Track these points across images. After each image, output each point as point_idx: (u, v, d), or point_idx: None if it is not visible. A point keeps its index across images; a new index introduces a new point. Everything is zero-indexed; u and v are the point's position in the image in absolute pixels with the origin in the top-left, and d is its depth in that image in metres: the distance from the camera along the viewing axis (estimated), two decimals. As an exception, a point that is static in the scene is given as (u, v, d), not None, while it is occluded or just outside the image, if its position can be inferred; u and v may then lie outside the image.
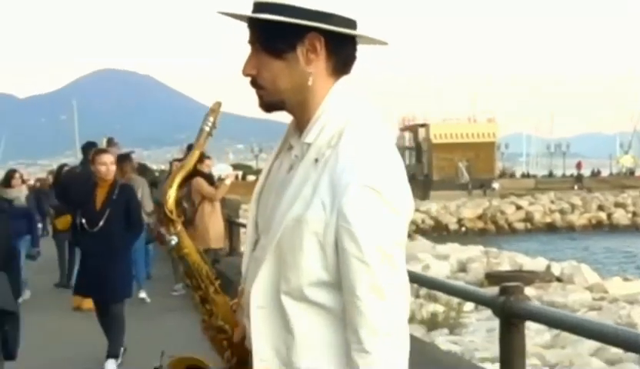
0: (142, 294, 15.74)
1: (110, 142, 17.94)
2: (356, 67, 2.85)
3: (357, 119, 2.72)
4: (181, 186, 2.97)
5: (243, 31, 2.82)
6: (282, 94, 2.76)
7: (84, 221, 9.67)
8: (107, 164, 9.75)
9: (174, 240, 2.87)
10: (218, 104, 2.94)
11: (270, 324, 2.75)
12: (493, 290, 6.63)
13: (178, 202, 2.98)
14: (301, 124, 2.81)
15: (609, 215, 74.48)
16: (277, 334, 2.74)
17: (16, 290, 7.38)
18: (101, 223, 9.55)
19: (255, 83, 2.79)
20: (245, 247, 2.98)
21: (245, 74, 2.78)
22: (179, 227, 2.91)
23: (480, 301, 7.30)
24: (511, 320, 6.29)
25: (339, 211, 2.56)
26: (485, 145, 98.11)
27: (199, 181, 15.38)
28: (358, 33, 2.77)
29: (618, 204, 76.79)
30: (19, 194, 17.11)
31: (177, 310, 12.85)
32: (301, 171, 2.70)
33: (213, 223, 15.62)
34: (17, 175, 17.87)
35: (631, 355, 13.14)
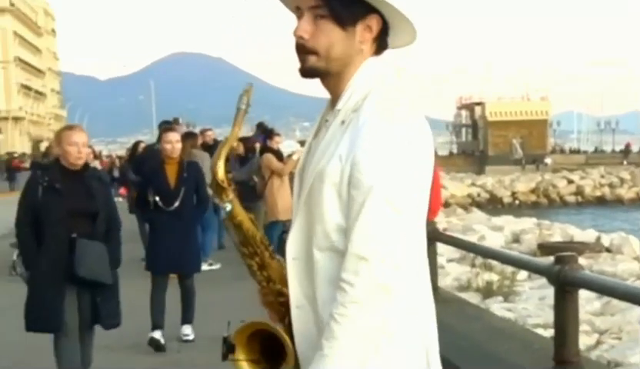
0: (204, 266, 15.95)
1: (175, 122, 18.05)
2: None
3: (380, 87, 2.76)
4: (227, 159, 2.97)
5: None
6: (331, 61, 2.77)
7: (157, 199, 9.64)
8: (172, 143, 9.69)
9: (228, 206, 2.88)
10: (250, 86, 2.97)
11: (303, 273, 2.83)
12: (548, 260, 6.57)
13: (227, 172, 2.97)
14: (334, 98, 2.86)
15: (656, 189, 73.52)
16: (309, 282, 2.81)
17: (115, 260, 7.31)
18: (176, 203, 9.52)
19: (302, 47, 2.78)
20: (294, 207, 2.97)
21: (298, 35, 2.77)
22: (231, 195, 2.92)
23: (536, 270, 7.22)
24: (566, 288, 6.24)
25: (353, 160, 2.63)
26: (538, 123, 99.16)
27: (269, 157, 15.57)
28: (412, 21, 2.79)
29: (664, 179, 75.82)
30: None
31: (247, 278, 12.78)
32: (329, 133, 2.79)
33: (281, 196, 15.65)
34: (90, 151, 17.62)
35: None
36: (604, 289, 6.41)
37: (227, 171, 2.96)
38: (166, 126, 10.08)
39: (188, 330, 9.70)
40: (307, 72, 2.82)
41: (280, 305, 2.91)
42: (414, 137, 2.70)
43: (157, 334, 9.42)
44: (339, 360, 2.61)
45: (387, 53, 2.90)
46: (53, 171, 7.16)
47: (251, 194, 15.62)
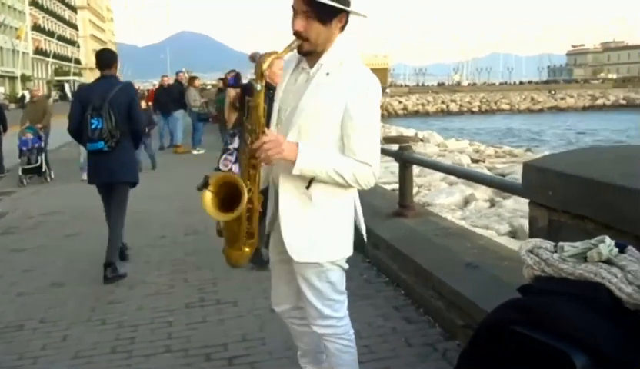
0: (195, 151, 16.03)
1: (180, 72, 17.74)
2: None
3: (351, 53, 2.53)
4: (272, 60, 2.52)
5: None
6: (317, 45, 2.46)
7: None
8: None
9: (259, 87, 2.45)
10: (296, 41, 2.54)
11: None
12: (395, 147, 6.47)
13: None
14: (313, 59, 2.53)
15: (447, 106, 74.77)
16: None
17: None
18: None
19: (300, 36, 2.44)
20: (272, 125, 2.66)
21: (296, 29, 2.44)
22: (264, 82, 2.48)
23: (388, 154, 7.04)
24: (406, 164, 6.10)
25: (356, 98, 2.42)
26: (382, 69, 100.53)
27: (230, 91, 14.93)
28: (361, 14, 2.52)
29: (452, 100, 77.27)
30: None
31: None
32: (314, 81, 2.49)
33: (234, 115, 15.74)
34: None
35: (462, 180, 13.30)
36: (427, 164, 6.30)
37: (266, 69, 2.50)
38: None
39: None
40: (304, 52, 2.51)
41: (249, 165, 2.53)
42: (377, 86, 2.49)
43: None
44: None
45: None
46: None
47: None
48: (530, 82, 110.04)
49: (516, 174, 15.21)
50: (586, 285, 2.07)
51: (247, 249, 2.66)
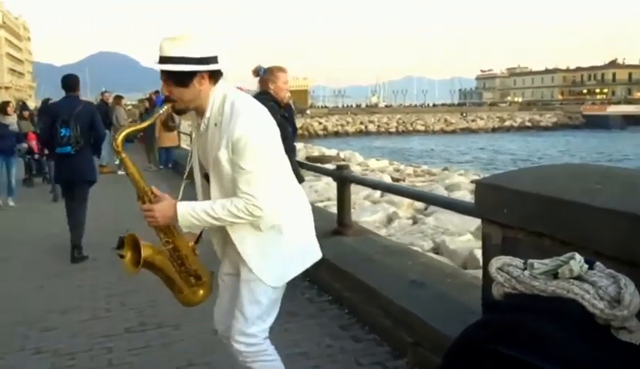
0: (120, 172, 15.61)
1: (104, 92, 17.48)
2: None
3: (228, 95, 2.62)
4: (127, 137, 2.71)
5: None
6: (187, 103, 2.63)
7: None
8: None
9: (117, 161, 2.58)
10: (170, 106, 2.66)
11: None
12: (333, 167, 6.44)
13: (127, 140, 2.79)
14: (200, 113, 2.68)
15: (366, 126, 76.28)
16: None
17: None
18: None
19: (169, 99, 2.63)
20: (196, 174, 2.86)
21: (165, 94, 2.64)
22: (123, 155, 2.66)
23: (325, 173, 6.99)
24: (344, 183, 6.06)
25: (232, 148, 2.51)
26: (303, 91, 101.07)
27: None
28: (220, 68, 2.63)
29: (370, 121, 78.74)
30: (13, 120, 12.65)
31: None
32: (210, 132, 2.64)
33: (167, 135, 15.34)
34: (11, 104, 12.97)
35: (386, 197, 13.47)
36: (362, 182, 6.30)
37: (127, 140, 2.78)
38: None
39: None
40: (177, 112, 2.72)
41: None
42: (256, 119, 2.58)
43: None
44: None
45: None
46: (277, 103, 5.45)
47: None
48: (443, 105, 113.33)
49: (435, 192, 15.54)
50: (559, 301, 2.06)
51: (201, 291, 2.91)
